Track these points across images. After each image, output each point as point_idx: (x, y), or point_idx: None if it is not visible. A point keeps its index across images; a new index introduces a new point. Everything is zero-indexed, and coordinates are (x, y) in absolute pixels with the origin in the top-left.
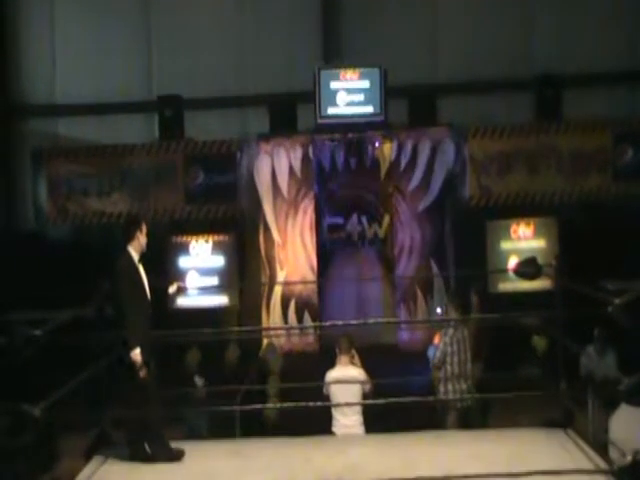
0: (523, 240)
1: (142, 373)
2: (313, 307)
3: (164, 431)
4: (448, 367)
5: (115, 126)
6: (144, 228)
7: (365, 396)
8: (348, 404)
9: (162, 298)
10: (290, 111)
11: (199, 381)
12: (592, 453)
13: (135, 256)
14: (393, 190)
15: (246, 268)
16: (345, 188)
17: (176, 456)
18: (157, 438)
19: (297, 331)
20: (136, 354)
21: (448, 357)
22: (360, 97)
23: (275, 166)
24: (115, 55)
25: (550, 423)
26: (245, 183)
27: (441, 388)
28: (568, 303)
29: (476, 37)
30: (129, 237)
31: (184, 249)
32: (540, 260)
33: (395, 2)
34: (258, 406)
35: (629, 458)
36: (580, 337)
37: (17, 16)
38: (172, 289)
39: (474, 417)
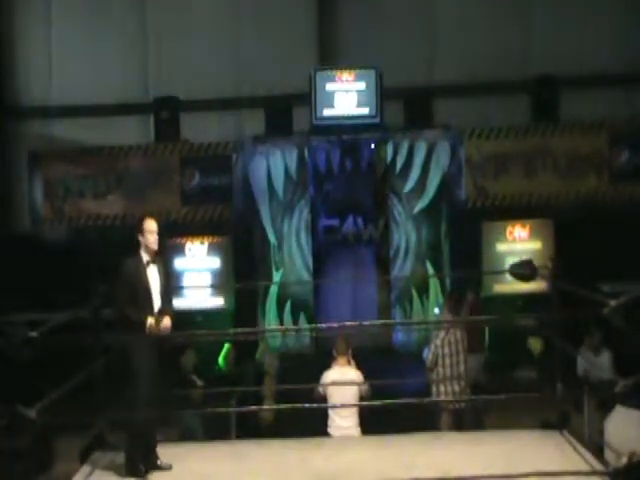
0: (519, 242)
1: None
2: (309, 308)
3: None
4: (440, 369)
5: (111, 128)
6: (148, 226)
7: (362, 398)
8: (344, 406)
9: None
10: (286, 113)
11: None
12: (588, 455)
13: (145, 256)
14: (389, 192)
15: (242, 270)
16: (341, 190)
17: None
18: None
19: (293, 332)
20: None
21: (440, 359)
22: (356, 99)
23: (271, 168)
24: (111, 57)
25: (546, 425)
26: (241, 185)
27: (434, 389)
28: (563, 305)
29: (472, 38)
30: (136, 237)
31: (180, 251)
32: (536, 262)
33: (391, 3)
34: (254, 408)
35: (624, 460)
36: (576, 339)
37: (13, 18)
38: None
39: (468, 418)
